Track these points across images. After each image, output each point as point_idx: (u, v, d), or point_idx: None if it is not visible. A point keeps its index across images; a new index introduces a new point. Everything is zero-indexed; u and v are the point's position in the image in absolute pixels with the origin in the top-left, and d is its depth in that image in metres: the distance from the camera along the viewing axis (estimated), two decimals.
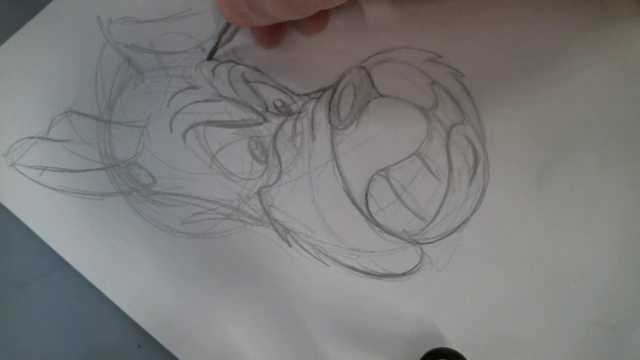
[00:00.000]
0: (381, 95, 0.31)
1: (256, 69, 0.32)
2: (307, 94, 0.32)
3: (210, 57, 0.32)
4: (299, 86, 0.32)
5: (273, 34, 0.32)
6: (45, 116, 0.32)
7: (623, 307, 0.28)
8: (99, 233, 0.30)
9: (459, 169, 0.30)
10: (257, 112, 0.32)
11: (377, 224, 0.29)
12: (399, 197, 0.30)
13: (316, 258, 0.29)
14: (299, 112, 0.31)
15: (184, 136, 0.31)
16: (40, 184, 0.31)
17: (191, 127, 0.32)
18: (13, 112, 0.32)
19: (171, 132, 0.32)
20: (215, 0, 0.28)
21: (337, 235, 0.29)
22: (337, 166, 0.30)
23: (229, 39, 0.31)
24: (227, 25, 0.31)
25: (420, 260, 0.29)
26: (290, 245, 0.30)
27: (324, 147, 0.31)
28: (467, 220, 0.29)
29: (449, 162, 0.30)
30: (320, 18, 0.31)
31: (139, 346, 0.29)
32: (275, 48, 0.32)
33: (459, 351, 0.26)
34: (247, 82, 0.32)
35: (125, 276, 0.29)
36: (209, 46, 0.33)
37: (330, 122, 0.31)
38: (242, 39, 0.33)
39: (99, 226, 0.30)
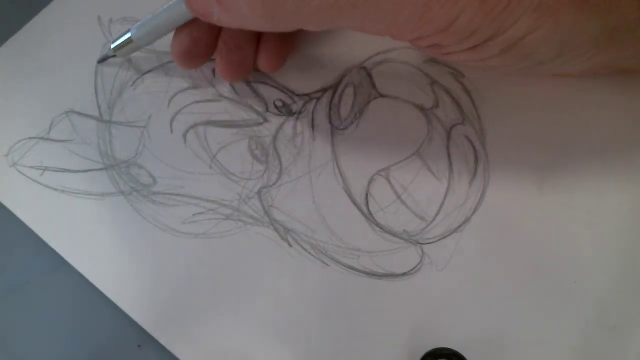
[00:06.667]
0: (381, 95, 0.31)
1: (256, 69, 0.32)
2: (307, 94, 0.32)
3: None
4: (299, 86, 0.32)
5: (238, 64, 0.29)
6: (45, 116, 0.32)
7: (623, 307, 0.28)
8: (99, 233, 0.30)
9: (459, 169, 0.30)
10: (257, 112, 0.32)
11: (377, 224, 0.29)
12: (399, 197, 0.30)
13: (316, 258, 0.29)
14: (299, 112, 0.31)
15: (184, 136, 0.31)
16: (41, 184, 0.31)
17: (191, 127, 0.32)
18: (13, 112, 0.32)
19: (171, 132, 0.32)
20: None
21: (337, 235, 0.29)
22: (338, 166, 0.30)
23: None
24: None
25: (421, 260, 0.29)
26: (290, 245, 0.30)
27: (324, 147, 0.31)
28: (467, 220, 0.29)
29: (449, 162, 0.30)
30: (277, 54, 0.30)
31: (139, 346, 0.29)
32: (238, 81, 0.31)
33: (459, 351, 0.26)
34: (247, 82, 0.32)
35: (125, 276, 0.29)
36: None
37: (330, 122, 0.31)
38: None
39: (99, 226, 0.30)
